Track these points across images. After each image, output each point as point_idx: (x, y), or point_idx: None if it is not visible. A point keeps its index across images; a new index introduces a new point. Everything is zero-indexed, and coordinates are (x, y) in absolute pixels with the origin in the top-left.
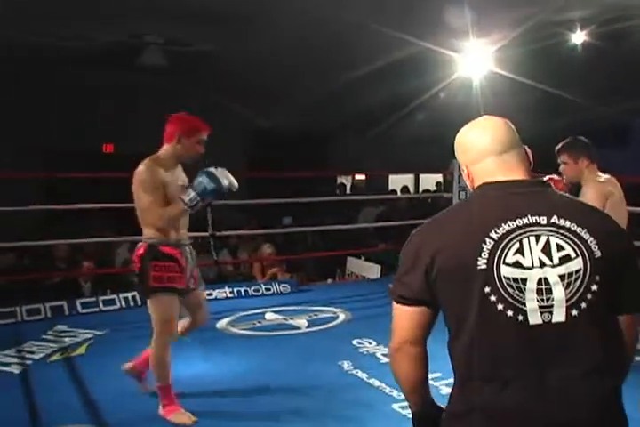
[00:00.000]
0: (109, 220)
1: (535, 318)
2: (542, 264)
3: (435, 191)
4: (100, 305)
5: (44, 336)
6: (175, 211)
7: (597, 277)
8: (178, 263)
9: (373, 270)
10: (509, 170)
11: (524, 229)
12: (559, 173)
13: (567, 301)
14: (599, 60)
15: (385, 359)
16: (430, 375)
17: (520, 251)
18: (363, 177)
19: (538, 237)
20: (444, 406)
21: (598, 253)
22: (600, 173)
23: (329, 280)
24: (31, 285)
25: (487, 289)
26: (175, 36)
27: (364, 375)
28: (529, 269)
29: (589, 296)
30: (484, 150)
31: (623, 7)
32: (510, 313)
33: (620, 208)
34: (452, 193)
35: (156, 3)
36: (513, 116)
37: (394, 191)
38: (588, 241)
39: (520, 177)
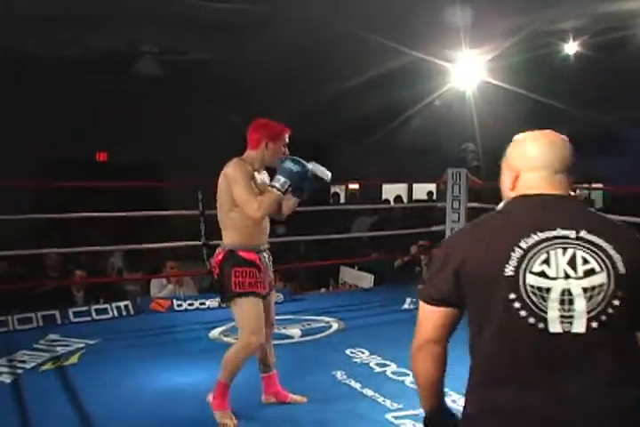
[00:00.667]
0: (104, 228)
1: (555, 327)
2: (567, 276)
3: (425, 201)
4: (93, 314)
5: (35, 345)
6: (270, 198)
7: (620, 293)
8: (258, 269)
9: (367, 280)
10: (555, 188)
11: (553, 242)
12: None
13: (588, 313)
14: (592, 70)
15: (378, 369)
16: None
17: (546, 261)
18: (356, 186)
19: (565, 250)
20: (454, 411)
21: (623, 270)
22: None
23: (322, 289)
24: (23, 293)
25: (512, 296)
26: (170, 45)
27: (357, 385)
28: (553, 279)
29: (610, 310)
30: (544, 164)
31: (615, 18)
32: (532, 320)
33: None
34: (445, 202)
35: (153, 12)
36: (506, 125)
37: (387, 201)
38: (614, 257)
39: (559, 193)
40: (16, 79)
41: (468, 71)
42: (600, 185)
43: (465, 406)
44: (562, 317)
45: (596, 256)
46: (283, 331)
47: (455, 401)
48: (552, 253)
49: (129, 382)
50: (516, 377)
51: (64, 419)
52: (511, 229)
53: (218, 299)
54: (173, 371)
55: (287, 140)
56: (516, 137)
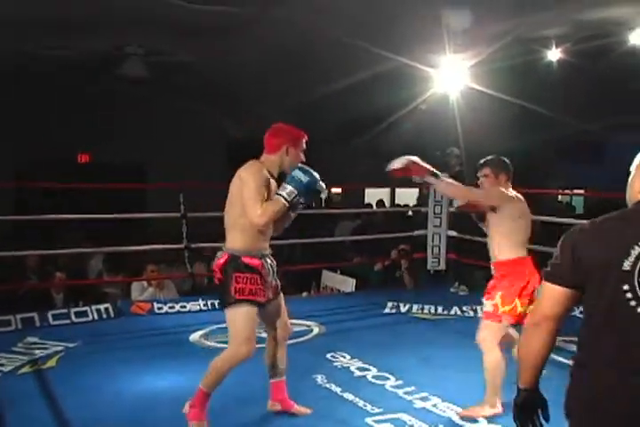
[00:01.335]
0: (85, 230)
1: None
2: None
3: (407, 206)
4: (72, 317)
5: (13, 348)
6: (275, 206)
7: None
8: (260, 275)
9: (348, 284)
10: None
11: None
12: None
13: None
14: (575, 77)
15: (359, 373)
16: (403, 389)
17: None
18: (339, 190)
19: None
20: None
21: None
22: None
23: (304, 293)
24: (1, 295)
25: (625, 287)
26: (156, 47)
27: (337, 389)
28: None
29: None
30: None
31: (598, 25)
32: None
33: (522, 222)
34: (427, 207)
35: (138, 13)
36: (490, 131)
37: (369, 205)
38: None
39: None
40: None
41: (451, 77)
42: (581, 191)
43: (571, 390)
44: None
45: None
46: (263, 335)
47: (436, 405)
48: None
49: (108, 386)
50: (621, 362)
51: (41, 424)
52: (633, 228)
53: (199, 302)
54: (153, 375)
55: (305, 146)
56: None
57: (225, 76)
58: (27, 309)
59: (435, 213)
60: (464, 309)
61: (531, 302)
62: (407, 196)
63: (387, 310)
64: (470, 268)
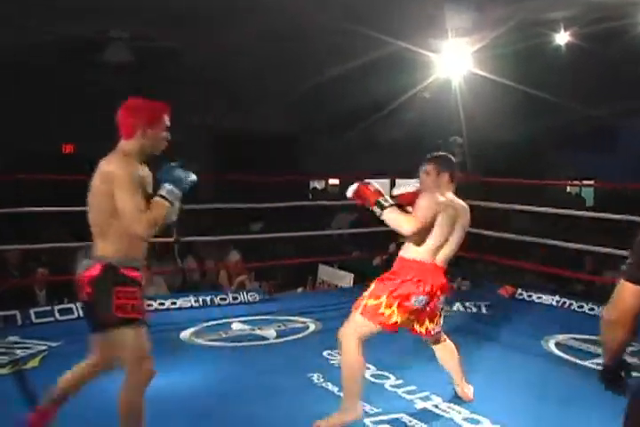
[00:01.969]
0: (68, 224)
1: None
2: None
3: None
4: (56, 314)
5: None
6: (159, 212)
7: None
8: (140, 288)
9: (346, 279)
10: None
11: None
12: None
13: None
14: (584, 61)
15: None
16: (404, 389)
17: None
18: (337, 182)
19: None
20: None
21: None
22: (452, 195)
23: (299, 289)
24: None
25: None
26: (141, 31)
27: (334, 388)
28: None
29: None
30: None
31: (609, 7)
32: None
33: (446, 230)
34: None
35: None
36: (494, 118)
37: None
38: None
39: None
40: None
41: (454, 62)
42: (591, 182)
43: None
44: None
45: None
46: (258, 332)
47: (437, 405)
48: None
49: (92, 386)
50: None
51: (23, 425)
52: None
53: (190, 298)
54: None
55: (168, 121)
56: None
57: (215, 64)
58: (8, 306)
59: None
60: (467, 304)
61: (404, 311)
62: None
63: None
64: (474, 262)
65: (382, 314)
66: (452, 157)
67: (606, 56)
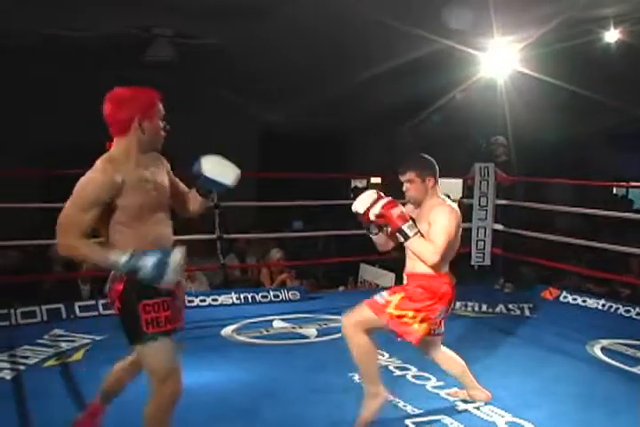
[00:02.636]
0: None
1: None
2: None
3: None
4: (100, 309)
5: (39, 340)
6: (97, 257)
7: None
8: (170, 296)
9: (387, 279)
10: None
11: None
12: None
13: None
14: (634, 60)
15: (398, 372)
16: (445, 390)
17: None
18: (379, 180)
19: None
20: None
21: None
22: (443, 196)
23: (340, 288)
24: (27, 286)
25: None
26: (185, 30)
27: None
28: None
29: None
30: None
31: None
32: None
33: (456, 240)
34: (472, 199)
35: None
36: (540, 118)
37: None
38: None
39: None
40: (23, 64)
41: (499, 60)
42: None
43: None
44: None
45: None
46: (298, 330)
47: (479, 408)
48: None
49: (136, 380)
50: None
51: (66, 418)
52: None
53: (232, 295)
54: (183, 370)
55: (162, 109)
56: None
57: (260, 63)
58: (53, 300)
59: (480, 206)
60: (510, 306)
61: (428, 323)
62: (450, 187)
63: None
64: (517, 264)
65: (407, 324)
66: (427, 156)
67: None
